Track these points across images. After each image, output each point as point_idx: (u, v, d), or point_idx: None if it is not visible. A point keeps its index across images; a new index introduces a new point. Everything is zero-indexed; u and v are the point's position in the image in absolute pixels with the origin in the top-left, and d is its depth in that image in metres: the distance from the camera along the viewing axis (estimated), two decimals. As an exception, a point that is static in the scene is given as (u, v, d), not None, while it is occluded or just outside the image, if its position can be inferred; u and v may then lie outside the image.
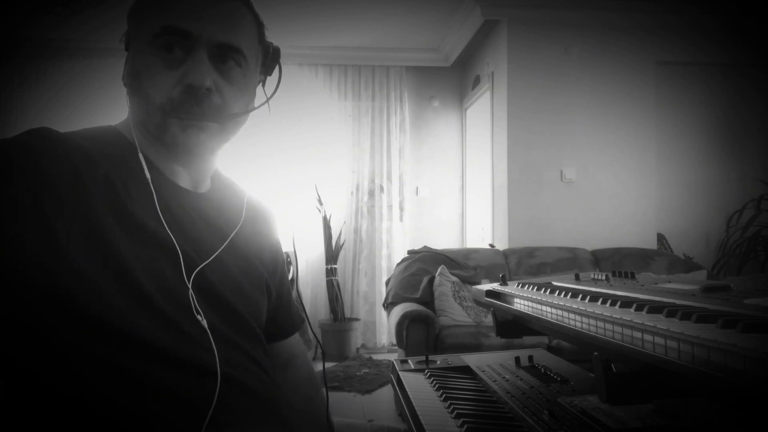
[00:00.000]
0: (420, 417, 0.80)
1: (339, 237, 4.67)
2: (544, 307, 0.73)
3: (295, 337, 1.00)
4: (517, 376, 0.96)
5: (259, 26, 0.84)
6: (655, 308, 0.54)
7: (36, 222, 0.62)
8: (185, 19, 0.73)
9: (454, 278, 3.44)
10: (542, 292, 0.79)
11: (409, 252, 3.95)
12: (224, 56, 0.76)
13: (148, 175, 0.74)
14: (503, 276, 1.01)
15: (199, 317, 0.71)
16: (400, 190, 4.93)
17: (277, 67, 0.88)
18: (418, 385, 0.97)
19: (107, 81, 4.29)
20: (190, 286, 0.72)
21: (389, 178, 4.90)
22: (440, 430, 0.75)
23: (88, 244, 0.65)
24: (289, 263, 0.95)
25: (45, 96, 4.51)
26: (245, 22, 0.80)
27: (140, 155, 0.76)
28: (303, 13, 4.11)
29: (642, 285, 0.77)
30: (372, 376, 3.73)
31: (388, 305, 3.54)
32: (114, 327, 0.65)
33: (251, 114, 0.85)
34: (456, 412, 0.80)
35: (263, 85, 0.89)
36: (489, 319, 3.14)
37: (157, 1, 0.76)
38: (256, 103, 0.85)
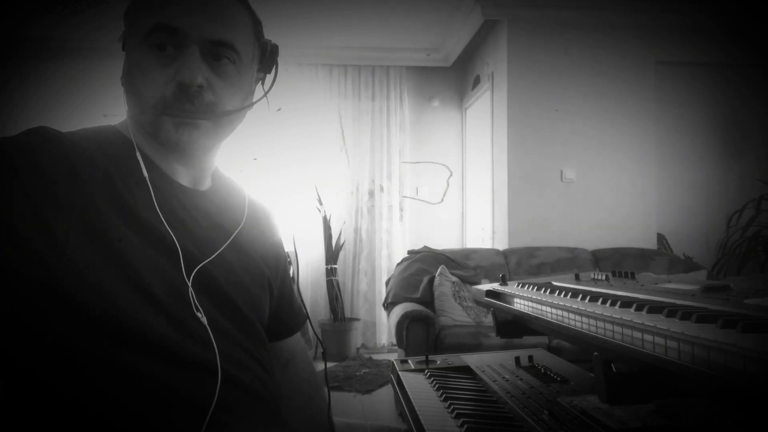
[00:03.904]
0: (420, 417, 0.80)
1: (339, 237, 4.67)
2: (544, 307, 0.73)
3: (297, 337, 1.00)
4: (517, 376, 0.96)
5: (256, 24, 0.84)
6: (655, 308, 0.54)
7: (34, 220, 0.62)
8: (176, 17, 0.73)
9: (454, 278, 3.44)
10: (542, 292, 0.79)
11: (409, 252, 3.95)
12: (217, 53, 0.76)
13: (145, 173, 0.74)
14: (503, 276, 1.01)
15: (198, 314, 0.71)
16: (400, 190, 4.93)
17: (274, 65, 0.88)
18: (418, 385, 0.97)
19: (107, 81, 4.29)
20: (189, 284, 0.72)
21: (389, 178, 4.90)
22: (440, 430, 0.75)
23: (88, 241, 0.65)
24: (290, 263, 0.94)
25: (45, 96, 4.51)
26: (239, 19, 0.79)
27: (137, 153, 0.76)
28: (303, 13, 4.11)
29: (642, 285, 0.77)
30: (372, 376, 3.73)
31: (388, 305, 3.54)
32: (114, 323, 0.65)
33: (252, 113, 0.85)
34: (456, 412, 0.80)
35: (263, 84, 0.89)
36: (489, 319, 3.14)
37: (150, 0, 0.76)
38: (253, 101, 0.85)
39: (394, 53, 4.88)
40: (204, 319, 0.72)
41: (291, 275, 1.03)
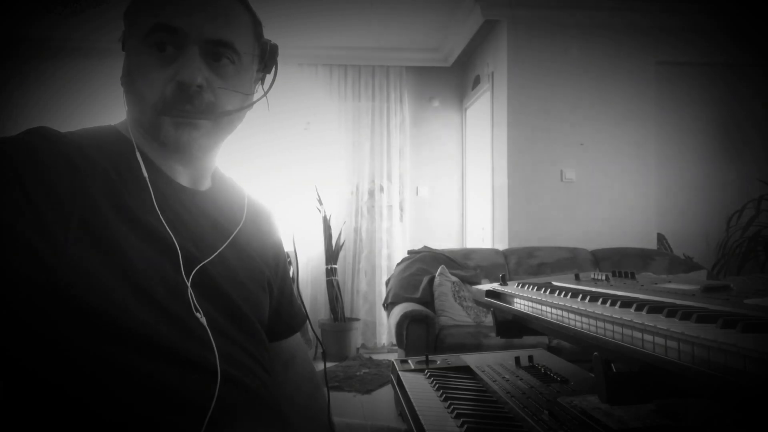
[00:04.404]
0: (420, 417, 0.80)
1: (339, 237, 4.67)
2: (544, 307, 0.73)
3: (297, 337, 1.00)
4: (517, 376, 0.96)
5: (256, 24, 0.84)
6: (655, 308, 0.54)
7: (33, 219, 0.62)
8: (176, 17, 0.73)
9: (454, 278, 3.44)
10: (542, 292, 0.79)
11: (409, 252, 3.95)
12: (217, 53, 0.76)
13: (145, 173, 0.74)
14: (503, 276, 1.01)
15: (198, 315, 0.71)
16: (400, 190, 4.93)
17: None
18: (418, 385, 0.97)
19: (107, 81, 4.29)
20: (189, 284, 0.72)
21: (389, 178, 4.90)
22: (440, 430, 0.75)
23: (88, 240, 0.65)
24: (290, 263, 0.95)
25: (45, 96, 4.51)
26: (239, 19, 0.79)
27: (137, 153, 0.76)
28: (303, 13, 4.11)
29: (642, 285, 0.77)
30: (372, 376, 3.72)
31: (388, 305, 3.54)
32: (115, 323, 0.65)
33: (252, 113, 0.85)
34: (456, 412, 0.80)
35: (262, 84, 0.89)
36: (489, 319, 3.14)
37: (150, 0, 0.76)
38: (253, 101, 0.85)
39: (394, 53, 4.88)
40: (203, 320, 0.72)
41: (291, 275, 1.03)
